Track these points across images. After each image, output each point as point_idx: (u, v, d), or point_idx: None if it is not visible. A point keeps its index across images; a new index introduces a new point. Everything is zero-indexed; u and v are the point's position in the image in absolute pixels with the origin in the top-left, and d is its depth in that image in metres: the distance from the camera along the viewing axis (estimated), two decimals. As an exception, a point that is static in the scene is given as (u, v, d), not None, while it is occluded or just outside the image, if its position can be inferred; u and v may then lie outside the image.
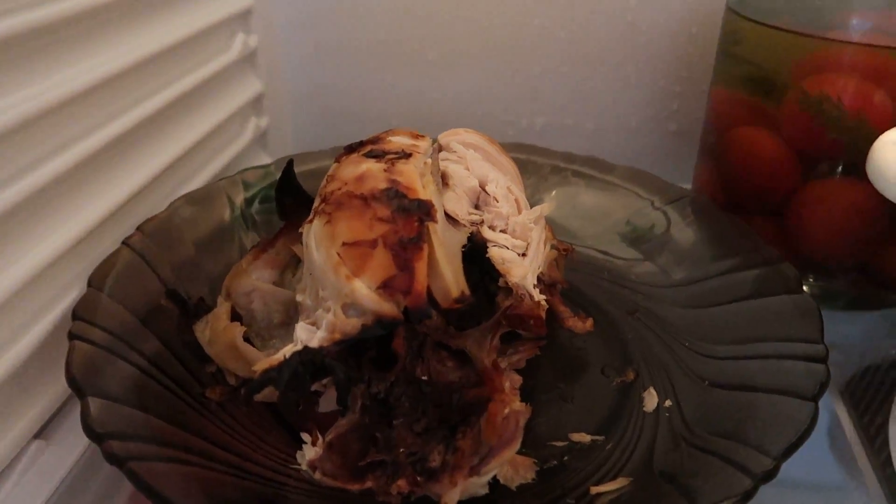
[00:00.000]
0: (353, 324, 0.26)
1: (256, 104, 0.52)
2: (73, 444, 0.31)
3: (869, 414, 0.36)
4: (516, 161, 0.42)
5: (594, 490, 0.27)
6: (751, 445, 0.25)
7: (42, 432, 0.32)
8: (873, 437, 0.34)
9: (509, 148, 0.46)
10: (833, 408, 0.37)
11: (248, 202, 0.42)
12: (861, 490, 0.32)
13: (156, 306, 0.33)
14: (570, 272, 0.40)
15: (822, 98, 0.35)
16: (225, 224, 0.41)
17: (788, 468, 0.33)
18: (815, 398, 0.27)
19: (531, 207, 0.35)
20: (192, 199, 0.40)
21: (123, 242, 0.35)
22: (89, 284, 0.32)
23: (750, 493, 0.23)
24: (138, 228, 0.36)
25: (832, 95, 0.35)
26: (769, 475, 0.24)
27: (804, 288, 0.40)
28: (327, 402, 0.30)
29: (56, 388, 0.32)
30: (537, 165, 0.47)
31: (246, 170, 0.44)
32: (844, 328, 0.42)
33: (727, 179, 0.42)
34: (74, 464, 0.31)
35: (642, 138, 0.55)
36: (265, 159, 0.53)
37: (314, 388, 0.30)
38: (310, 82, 0.56)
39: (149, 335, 0.32)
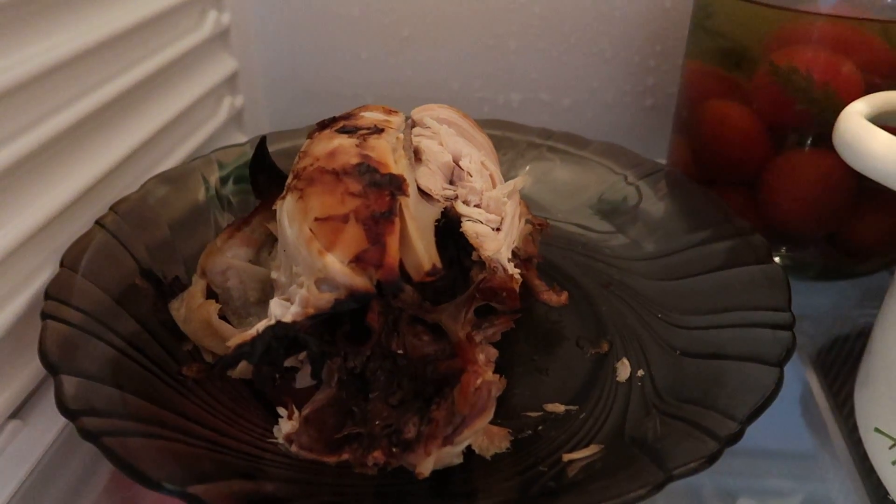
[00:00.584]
0: (325, 298, 0.26)
1: (231, 83, 0.51)
2: (49, 424, 0.31)
3: (839, 382, 0.37)
4: (492, 137, 0.42)
5: (566, 457, 0.27)
6: (718, 411, 0.26)
7: (18, 412, 0.32)
8: (842, 405, 0.35)
9: (486, 124, 0.46)
10: (804, 377, 0.38)
11: (223, 181, 0.42)
12: (831, 456, 0.33)
13: (130, 286, 0.33)
14: (546, 246, 0.40)
15: (791, 70, 0.35)
16: (200, 204, 0.40)
17: (762, 436, 0.34)
18: (780, 364, 0.27)
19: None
20: (165, 178, 0.40)
21: (97, 222, 0.35)
22: (62, 264, 0.32)
23: (715, 456, 0.24)
24: (111, 208, 0.36)
25: (801, 67, 0.35)
26: (734, 438, 0.24)
27: (776, 259, 0.41)
28: (303, 378, 0.31)
29: (31, 368, 0.32)
30: (513, 142, 0.47)
31: (220, 149, 0.43)
32: (816, 299, 0.43)
33: (700, 152, 0.42)
34: (51, 443, 0.31)
35: (618, 113, 0.56)
36: (241, 139, 0.52)
37: (290, 364, 0.31)
38: (284, 60, 0.56)
39: (124, 315, 0.32)
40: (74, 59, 0.34)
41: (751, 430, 0.33)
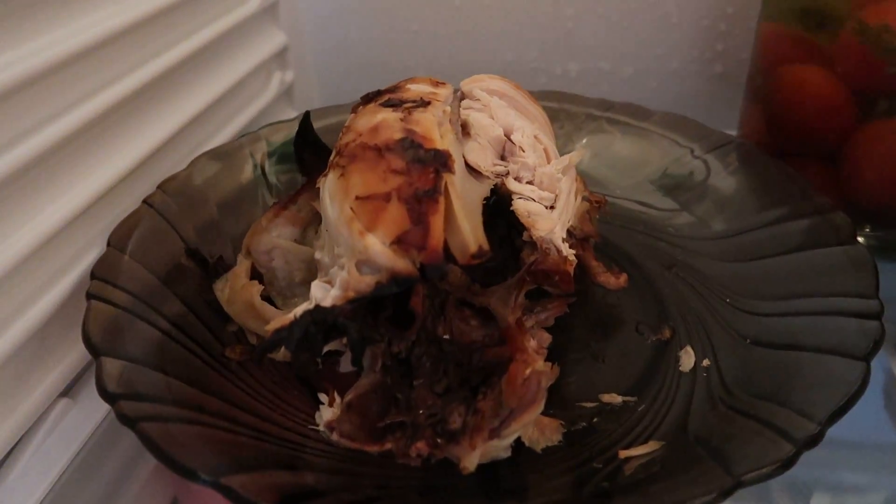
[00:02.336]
0: (366, 281, 0.25)
1: (280, 57, 0.51)
2: (99, 402, 0.31)
3: (928, 373, 0.34)
4: (548, 109, 0.40)
5: (623, 454, 0.25)
6: (793, 408, 0.24)
7: (69, 391, 0.32)
8: (932, 397, 0.32)
9: (541, 96, 0.43)
10: (889, 365, 0.34)
11: (271, 159, 0.41)
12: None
13: (176, 266, 0.33)
14: (604, 225, 0.38)
15: (882, 28, 0.32)
16: (247, 182, 0.40)
17: (839, 428, 0.31)
18: (866, 358, 0.24)
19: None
20: (213, 156, 0.39)
21: (144, 201, 0.35)
22: (109, 244, 0.32)
23: (791, 461, 0.21)
24: (159, 187, 0.36)
25: (894, 25, 0.31)
26: (813, 441, 0.22)
27: (860, 239, 0.38)
28: (347, 363, 0.30)
29: (80, 347, 0.31)
30: (570, 114, 0.44)
31: (268, 125, 0.43)
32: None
33: (775, 123, 0.39)
34: (101, 422, 0.31)
35: (684, 82, 0.52)
36: (291, 114, 0.52)
37: (334, 348, 0.30)
38: (335, 33, 0.54)
39: (170, 295, 0.31)
40: (122, 34, 0.33)
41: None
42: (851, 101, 0.35)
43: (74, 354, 0.32)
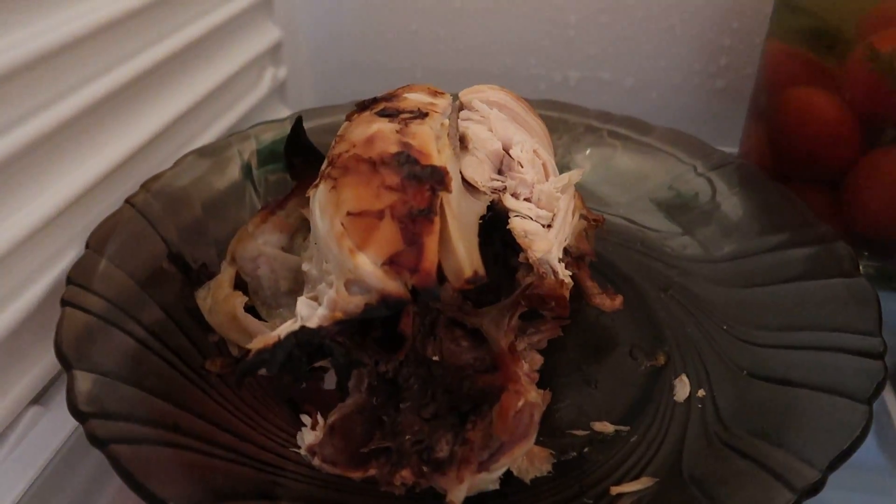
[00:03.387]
0: (355, 302, 0.23)
1: (274, 53, 0.49)
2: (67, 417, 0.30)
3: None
4: (547, 120, 0.39)
5: (615, 490, 0.24)
6: (792, 451, 0.23)
7: (40, 399, 0.31)
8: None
9: (540, 105, 0.42)
10: (884, 400, 0.34)
11: (261, 159, 0.40)
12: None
13: (157, 271, 0.32)
14: (601, 242, 0.37)
15: (894, 55, 0.31)
16: (235, 183, 0.38)
17: None
18: (869, 401, 0.24)
19: (561, 172, 0.32)
20: (200, 155, 0.38)
21: (126, 201, 0.33)
22: (87, 246, 0.30)
23: (791, 510, 0.20)
24: (142, 186, 0.35)
25: (907, 53, 0.31)
26: (813, 490, 0.21)
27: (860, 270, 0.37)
28: (332, 378, 0.29)
29: (53, 354, 0.30)
30: (570, 125, 0.43)
31: (259, 124, 0.41)
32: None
33: (779, 145, 0.38)
34: (72, 432, 0.29)
35: (686, 96, 0.51)
36: (284, 112, 0.50)
37: (318, 364, 0.29)
38: (331, 30, 0.53)
39: (149, 302, 0.30)
40: (108, 26, 0.32)
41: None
42: (857, 128, 0.34)
43: (47, 361, 0.30)
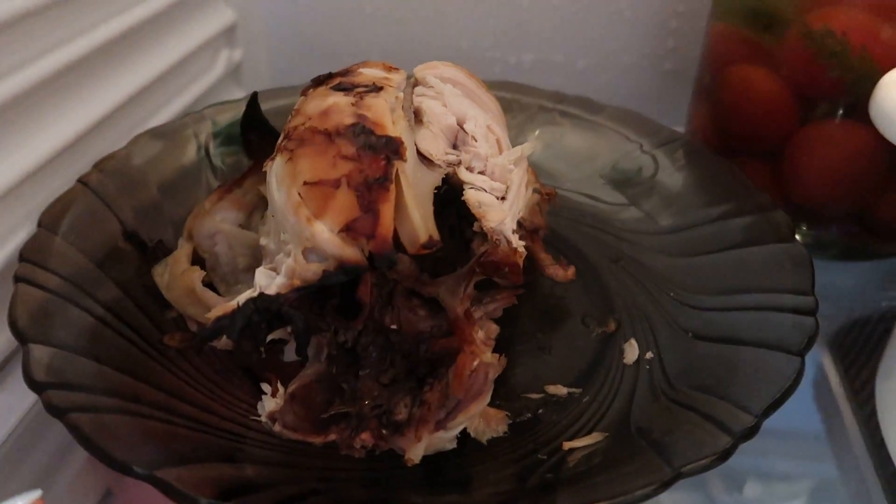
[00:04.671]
0: (313, 269, 0.24)
1: (228, 35, 0.49)
2: (28, 391, 0.30)
3: (855, 367, 0.35)
4: (501, 100, 0.40)
5: (567, 445, 0.25)
6: (731, 401, 0.24)
7: (-9, 383, 0.30)
8: (858, 390, 0.34)
9: (495, 86, 0.43)
10: (819, 359, 0.36)
11: (216, 140, 0.40)
12: (843, 441, 0.31)
13: (113, 249, 0.32)
14: (554, 217, 0.38)
15: (826, 33, 0.33)
16: (190, 164, 0.38)
17: (772, 419, 0.33)
18: (801, 353, 0.25)
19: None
20: (155, 135, 0.38)
21: (79, 181, 0.33)
22: (39, 225, 0.30)
23: (728, 452, 0.22)
24: (95, 166, 0.34)
25: (836, 30, 0.32)
26: (749, 433, 0.22)
27: (796, 237, 0.39)
28: (292, 352, 0.29)
29: (7, 333, 0.30)
30: (523, 105, 0.44)
31: (214, 105, 0.41)
32: (836, 278, 0.41)
33: (721, 121, 0.40)
34: (28, 411, 0.29)
35: (636, 77, 0.53)
36: (239, 94, 0.50)
37: (279, 336, 0.29)
38: (287, 13, 0.53)
39: (105, 280, 0.30)
40: (56, 3, 0.31)
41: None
42: (795, 103, 0.36)
43: (0, 340, 0.30)
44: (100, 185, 0.33)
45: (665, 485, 0.21)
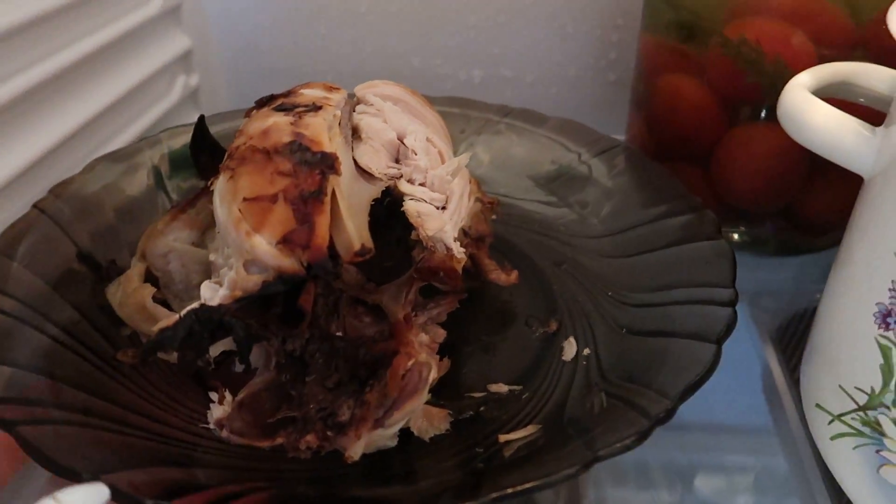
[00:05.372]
0: (253, 280, 0.25)
1: (184, 61, 0.50)
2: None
3: (795, 358, 0.37)
4: (450, 115, 0.41)
5: (503, 438, 0.27)
6: (654, 389, 0.26)
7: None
8: (797, 381, 0.35)
9: (443, 102, 0.45)
10: (764, 353, 0.37)
11: (173, 166, 0.41)
12: (786, 432, 0.33)
13: (69, 272, 0.32)
14: (501, 225, 0.40)
15: (741, 42, 0.35)
16: (146, 188, 0.39)
17: (723, 413, 0.34)
18: (718, 341, 0.27)
19: (458, 161, 0.35)
20: (111, 160, 0.39)
21: (35, 206, 0.34)
22: (-6, 250, 0.31)
23: (645, 434, 0.23)
24: (51, 191, 0.35)
25: (751, 39, 0.34)
26: (666, 416, 0.24)
27: (734, 236, 0.41)
28: (245, 362, 0.30)
29: None
30: (470, 119, 0.46)
31: (169, 129, 0.42)
32: (777, 274, 0.43)
33: (655, 128, 0.42)
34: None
35: (582, 89, 0.55)
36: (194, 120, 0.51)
37: (229, 348, 0.30)
38: (242, 38, 0.54)
39: (60, 301, 0.31)
40: (12, 32, 0.33)
41: (713, 407, 0.33)
42: (720, 109, 0.38)
43: None
44: (56, 210, 0.34)
45: (585, 466, 0.22)
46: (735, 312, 0.28)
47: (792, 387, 0.35)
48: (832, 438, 0.27)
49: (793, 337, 0.39)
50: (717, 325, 0.28)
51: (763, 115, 0.37)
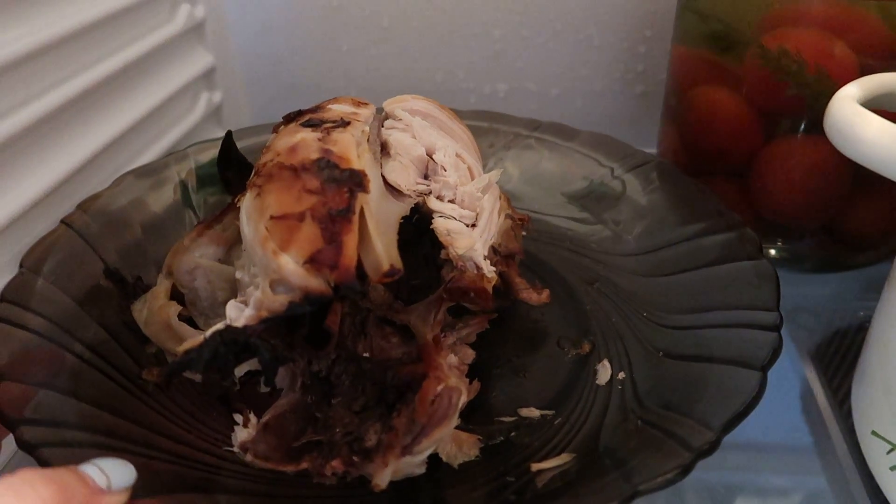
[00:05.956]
0: (280, 301, 0.24)
1: (208, 78, 0.50)
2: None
3: (838, 377, 0.35)
4: (479, 129, 0.41)
5: (535, 467, 0.26)
6: (695, 418, 0.25)
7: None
8: (842, 401, 0.34)
9: (472, 116, 0.44)
10: (804, 372, 0.36)
11: (200, 182, 0.41)
12: (830, 453, 0.31)
13: (95, 288, 0.32)
14: (532, 242, 0.39)
15: (782, 53, 0.33)
16: (173, 202, 0.39)
17: (760, 432, 0.33)
18: (763, 368, 0.26)
19: (489, 176, 0.34)
20: (138, 175, 0.39)
21: (62, 221, 0.34)
22: (21, 266, 0.31)
23: (687, 468, 0.22)
24: (79, 207, 0.35)
25: (791, 50, 0.33)
26: (708, 450, 0.23)
27: (771, 252, 0.40)
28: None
29: None
30: (500, 133, 0.45)
31: (196, 143, 0.42)
32: (815, 290, 0.41)
33: (689, 142, 0.41)
34: (10, 460, 0.29)
35: (609, 102, 0.54)
36: (220, 134, 0.51)
37: (255, 368, 0.29)
38: (264, 55, 0.54)
39: (87, 319, 0.31)
40: (39, 52, 0.33)
41: (750, 427, 0.32)
42: (758, 121, 0.37)
43: None
44: (83, 225, 0.34)
45: (623, 502, 0.21)
46: (780, 337, 0.27)
47: (836, 407, 0.34)
48: (892, 469, 0.25)
49: (835, 355, 0.37)
50: (760, 350, 0.27)
51: (803, 127, 0.36)
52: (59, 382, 0.27)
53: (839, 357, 0.37)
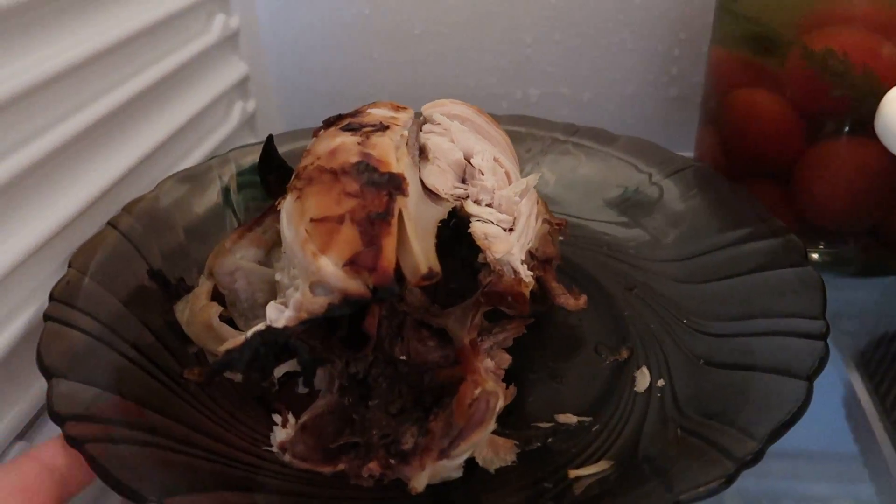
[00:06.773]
0: (319, 302, 0.25)
1: (242, 87, 0.51)
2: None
3: (886, 383, 0.35)
4: (516, 133, 0.41)
5: (573, 474, 0.25)
6: (738, 428, 0.24)
7: (25, 434, 0.31)
8: (889, 408, 0.33)
9: (509, 120, 0.44)
10: (847, 377, 0.35)
11: (240, 181, 0.41)
12: (877, 459, 0.31)
13: (139, 288, 0.33)
14: (569, 247, 0.39)
15: (827, 53, 0.33)
16: (215, 205, 0.40)
17: (803, 438, 0.32)
18: (809, 378, 0.25)
19: (527, 181, 0.34)
20: (181, 179, 0.39)
21: (109, 223, 0.35)
22: (70, 266, 0.32)
23: (731, 479, 0.22)
24: (124, 209, 0.36)
25: (837, 50, 0.33)
26: (752, 460, 0.22)
27: (814, 255, 0.39)
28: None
29: (37, 387, 0.31)
30: (537, 137, 0.45)
31: (237, 148, 0.43)
32: (858, 295, 0.41)
33: (729, 145, 0.40)
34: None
35: (642, 105, 0.53)
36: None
37: (293, 369, 0.30)
38: (296, 63, 0.55)
39: (131, 318, 0.31)
40: (80, 65, 0.33)
41: (792, 433, 0.31)
42: (801, 124, 0.36)
43: (31, 395, 0.31)
44: (128, 227, 0.35)
45: (665, 511, 0.21)
46: (827, 346, 0.26)
47: (884, 414, 0.33)
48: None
49: (881, 362, 0.36)
50: (806, 359, 0.26)
51: (848, 129, 0.35)
52: (104, 380, 0.27)
53: (886, 363, 0.36)
